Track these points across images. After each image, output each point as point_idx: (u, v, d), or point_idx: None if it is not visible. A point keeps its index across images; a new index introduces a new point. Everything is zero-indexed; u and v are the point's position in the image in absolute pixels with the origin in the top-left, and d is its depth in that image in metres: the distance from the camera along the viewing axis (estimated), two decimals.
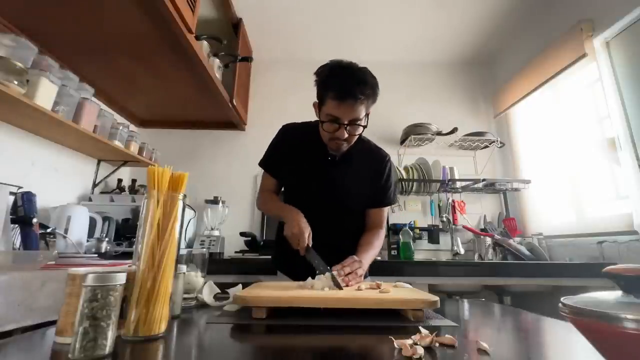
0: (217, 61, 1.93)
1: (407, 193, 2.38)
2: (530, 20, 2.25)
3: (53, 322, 0.51)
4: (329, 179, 1.09)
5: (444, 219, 2.26)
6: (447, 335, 0.49)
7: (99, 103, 1.71)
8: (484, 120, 2.66)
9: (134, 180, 2.14)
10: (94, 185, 2.00)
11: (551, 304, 0.56)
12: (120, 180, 2.13)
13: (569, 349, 0.53)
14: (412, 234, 2.03)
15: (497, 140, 2.35)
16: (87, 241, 1.57)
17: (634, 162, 1.53)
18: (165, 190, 0.56)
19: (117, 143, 1.75)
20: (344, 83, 0.92)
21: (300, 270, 0.93)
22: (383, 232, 1.16)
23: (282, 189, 1.21)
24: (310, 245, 0.96)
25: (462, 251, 2.12)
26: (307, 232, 0.96)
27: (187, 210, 1.97)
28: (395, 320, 0.64)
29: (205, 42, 1.77)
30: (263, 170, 1.19)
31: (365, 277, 1.09)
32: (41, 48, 1.42)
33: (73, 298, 0.48)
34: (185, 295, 0.75)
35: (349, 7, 2.20)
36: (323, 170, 1.09)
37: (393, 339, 0.47)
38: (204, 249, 1.01)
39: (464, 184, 2.29)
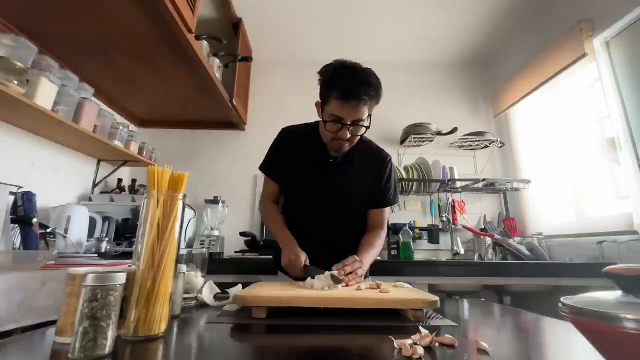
0: (217, 61, 1.93)
1: (407, 193, 2.38)
2: (530, 20, 2.25)
3: (53, 322, 0.51)
4: (330, 180, 1.09)
5: (444, 219, 2.26)
6: (447, 335, 0.49)
7: (99, 103, 1.71)
8: (484, 120, 2.66)
9: (134, 180, 2.14)
10: (94, 185, 2.00)
11: (551, 304, 0.56)
12: (120, 180, 2.13)
13: (569, 349, 0.53)
14: (412, 234, 2.03)
15: (497, 140, 2.35)
16: (87, 241, 1.57)
17: (634, 162, 1.53)
18: (165, 190, 0.56)
19: (117, 143, 1.75)
20: (348, 84, 0.92)
21: (302, 273, 0.93)
22: (384, 233, 1.16)
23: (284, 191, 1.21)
24: (308, 265, 0.96)
25: (462, 251, 2.12)
26: (303, 256, 0.97)
27: (187, 210, 1.97)
28: (395, 320, 0.64)
29: (205, 42, 1.77)
30: (264, 175, 1.19)
31: (366, 277, 1.09)
32: (41, 48, 1.42)
33: (73, 298, 0.48)
34: (185, 295, 0.75)
35: (349, 7, 2.20)
36: (324, 171, 1.09)
37: (393, 339, 0.47)
38: (204, 249, 1.01)
39: (464, 184, 2.29)
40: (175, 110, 2.29)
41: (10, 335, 0.58)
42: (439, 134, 2.38)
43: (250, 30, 2.39)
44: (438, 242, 2.19)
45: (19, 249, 1.16)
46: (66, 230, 1.45)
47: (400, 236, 1.97)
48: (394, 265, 1.67)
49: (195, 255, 0.82)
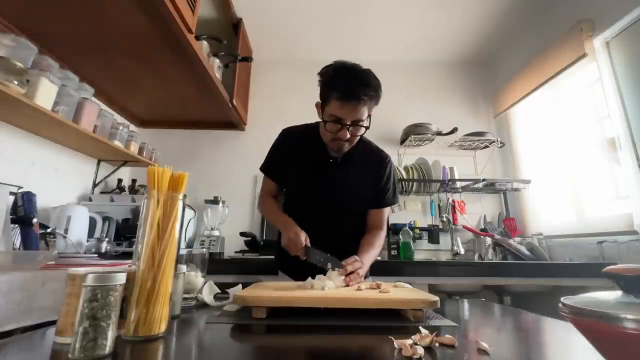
0: (217, 61, 1.93)
1: (407, 193, 2.38)
2: (530, 20, 2.25)
3: (53, 322, 0.51)
4: (330, 180, 1.09)
5: (444, 219, 2.26)
6: (447, 335, 0.49)
7: (99, 103, 1.71)
8: (484, 120, 2.66)
9: (134, 180, 2.14)
10: (94, 185, 2.00)
11: (551, 304, 0.56)
12: (120, 180, 2.13)
13: (569, 349, 0.53)
14: (412, 234, 2.03)
15: (497, 140, 2.35)
16: (87, 241, 1.57)
17: (634, 162, 1.53)
18: (165, 190, 0.56)
19: (117, 143, 1.75)
20: (348, 84, 0.93)
21: (302, 270, 0.93)
22: (383, 233, 1.16)
23: (283, 191, 1.22)
24: (309, 246, 0.96)
25: (462, 251, 2.12)
26: (303, 235, 0.97)
27: (187, 210, 1.97)
28: (395, 320, 0.64)
29: (205, 42, 1.77)
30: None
31: (366, 277, 1.09)
32: (41, 48, 1.42)
33: (73, 298, 0.48)
34: (185, 295, 0.75)
35: (349, 7, 2.20)
36: (324, 171, 1.10)
37: (393, 339, 0.47)
38: (204, 249, 1.01)
39: (464, 184, 2.29)
40: (175, 110, 2.29)
41: (10, 335, 0.58)
42: (439, 134, 2.38)
43: (250, 30, 2.39)
44: (438, 242, 2.19)
45: (19, 249, 1.16)
46: (66, 230, 1.45)
47: (400, 236, 1.97)
48: (394, 265, 1.67)
49: (195, 255, 0.82)
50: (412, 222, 2.26)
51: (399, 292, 0.74)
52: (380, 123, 2.45)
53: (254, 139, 2.52)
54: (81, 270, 0.50)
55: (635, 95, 1.57)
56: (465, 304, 0.92)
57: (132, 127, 2.19)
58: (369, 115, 0.99)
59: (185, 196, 0.59)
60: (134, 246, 0.55)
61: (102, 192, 2.03)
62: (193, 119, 2.41)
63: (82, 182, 1.92)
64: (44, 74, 1.27)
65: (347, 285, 0.84)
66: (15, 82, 1.13)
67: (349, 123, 0.96)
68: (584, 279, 1.52)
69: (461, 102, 2.70)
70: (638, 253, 1.51)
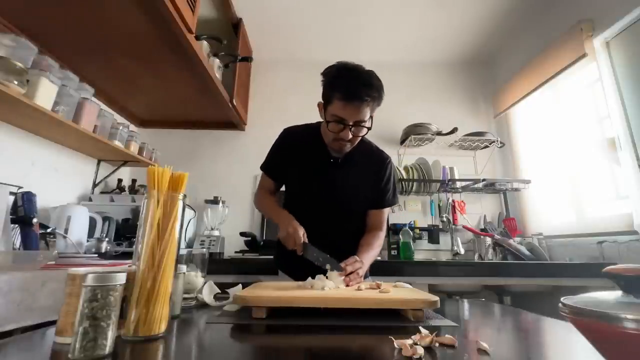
0: (217, 61, 1.93)
1: (407, 193, 2.38)
2: (530, 20, 2.25)
3: (53, 322, 0.51)
4: (330, 180, 1.09)
5: (444, 219, 2.26)
6: (447, 335, 0.49)
7: (99, 103, 1.71)
8: (484, 120, 2.66)
9: (134, 180, 2.14)
10: (94, 185, 2.00)
11: (551, 304, 0.56)
12: (120, 180, 2.13)
13: (569, 349, 0.53)
14: (412, 234, 2.03)
15: (497, 140, 2.35)
16: (87, 241, 1.57)
17: (634, 162, 1.53)
18: (165, 190, 0.56)
19: (117, 143, 1.75)
20: (351, 85, 0.93)
21: (302, 270, 0.93)
22: (383, 234, 1.16)
23: (283, 190, 1.22)
24: (307, 242, 0.96)
25: (462, 251, 2.12)
26: (302, 230, 0.97)
27: (187, 210, 1.97)
28: (395, 320, 0.64)
29: (205, 42, 1.77)
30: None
31: (365, 277, 1.10)
32: (41, 48, 1.42)
33: (73, 298, 0.48)
34: (185, 295, 0.75)
35: (349, 7, 2.20)
36: (324, 171, 1.10)
37: (393, 339, 0.47)
38: (204, 249, 1.01)
39: (464, 184, 2.29)
40: (175, 110, 2.29)
41: (10, 335, 0.58)
42: (439, 134, 2.38)
43: (250, 30, 2.39)
44: (438, 242, 2.19)
45: (19, 249, 1.16)
46: (66, 230, 1.45)
47: (400, 236, 1.97)
48: (394, 265, 1.67)
49: (195, 255, 0.82)
50: (412, 222, 2.26)
51: (399, 292, 0.74)
52: (380, 123, 2.44)
53: (254, 139, 2.52)
54: (81, 270, 0.50)
55: (635, 95, 1.57)
56: (465, 304, 0.92)
57: (132, 127, 2.19)
58: (371, 116, 1.00)
59: (185, 196, 0.59)
60: (134, 246, 0.55)
61: (102, 192, 2.03)
62: (193, 119, 2.41)
63: (82, 182, 1.92)
64: (44, 74, 1.27)
65: (347, 286, 0.84)
66: (15, 82, 1.13)
67: (351, 124, 0.96)
68: (584, 279, 1.52)
69: (461, 102, 2.70)
70: (638, 253, 1.51)
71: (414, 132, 2.36)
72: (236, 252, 2.03)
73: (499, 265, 1.68)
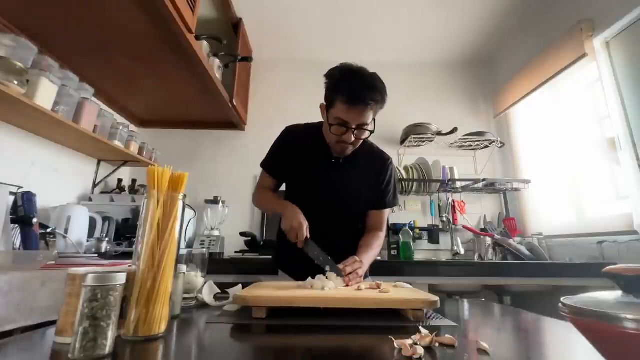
0: (217, 61, 1.93)
1: (407, 193, 2.38)
2: (530, 20, 2.24)
3: (53, 322, 0.51)
4: (331, 180, 1.09)
5: (444, 219, 2.26)
6: (447, 335, 0.49)
7: (99, 103, 1.71)
8: (484, 120, 2.66)
9: (134, 180, 2.14)
10: (94, 185, 2.00)
11: (551, 304, 0.56)
12: (120, 180, 2.13)
13: (569, 349, 0.53)
14: (412, 234, 2.03)
15: (497, 140, 2.35)
16: (87, 241, 1.57)
17: (634, 162, 1.53)
18: (165, 190, 0.56)
19: (117, 143, 1.75)
20: (355, 88, 0.93)
21: (302, 269, 0.93)
22: (383, 234, 1.16)
23: (284, 189, 1.21)
24: (309, 238, 0.96)
25: (462, 251, 2.12)
26: (306, 225, 0.97)
27: (187, 210, 1.97)
28: (395, 320, 0.64)
29: (205, 42, 1.77)
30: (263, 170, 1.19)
31: (365, 277, 1.09)
32: (41, 48, 1.42)
33: (73, 298, 0.48)
34: (185, 295, 0.75)
35: (348, 7, 2.20)
36: (325, 171, 1.10)
37: (393, 339, 0.47)
38: (204, 249, 1.01)
39: (464, 184, 2.29)
40: (175, 110, 2.29)
41: (10, 335, 0.58)
42: (439, 134, 2.38)
43: (250, 30, 2.39)
44: (438, 242, 2.19)
45: (19, 249, 1.16)
46: (66, 230, 1.45)
47: (400, 236, 1.97)
48: (394, 265, 1.67)
49: (195, 255, 0.82)
50: (412, 222, 2.26)
51: (399, 292, 0.74)
52: (380, 123, 2.41)
53: (254, 139, 2.52)
54: (81, 270, 0.50)
55: (635, 95, 1.57)
56: (465, 304, 0.92)
57: (132, 127, 2.19)
58: (374, 119, 0.99)
59: (185, 196, 0.59)
60: (134, 246, 0.55)
61: (102, 192, 2.03)
62: (193, 119, 2.41)
63: (82, 182, 1.92)
64: (44, 74, 1.27)
65: (347, 286, 0.84)
66: (15, 82, 1.13)
67: (354, 127, 0.96)
68: (584, 279, 1.52)
69: (461, 102, 2.70)
70: (638, 253, 1.51)
71: (414, 132, 2.36)
72: (236, 252, 2.03)
73: (499, 265, 1.68)
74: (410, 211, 2.42)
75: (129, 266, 0.60)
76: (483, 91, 2.71)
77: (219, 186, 2.37)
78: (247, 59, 2.26)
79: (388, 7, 2.20)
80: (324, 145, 1.09)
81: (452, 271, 1.60)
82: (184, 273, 0.70)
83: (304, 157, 1.11)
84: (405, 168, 2.33)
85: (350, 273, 0.89)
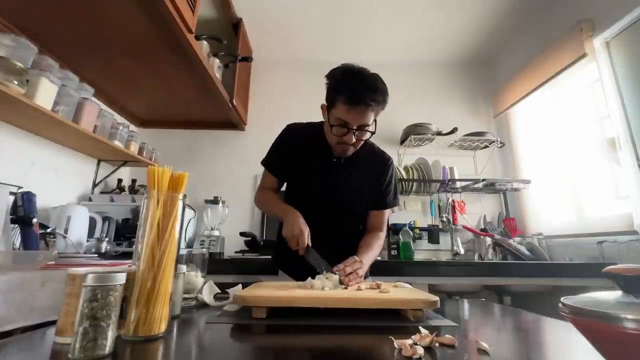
0: (217, 61, 1.93)
1: (407, 193, 2.38)
2: (530, 20, 2.24)
3: (53, 322, 0.51)
4: (331, 180, 1.09)
5: (444, 219, 2.26)
6: (447, 335, 0.49)
7: (99, 103, 1.71)
8: (484, 120, 2.66)
9: (134, 180, 2.14)
10: (94, 185, 2.00)
11: (551, 304, 0.56)
12: (120, 180, 2.13)
13: (569, 349, 0.53)
14: (412, 234, 2.03)
15: (497, 140, 2.35)
16: (87, 241, 1.57)
17: (634, 162, 1.53)
18: (165, 190, 0.56)
19: (117, 143, 1.75)
20: (356, 89, 0.92)
21: (301, 270, 0.93)
22: (383, 235, 1.16)
23: (284, 188, 1.21)
24: (310, 245, 0.96)
25: (462, 251, 2.12)
26: (307, 232, 0.96)
27: (187, 210, 1.98)
28: (395, 320, 0.64)
29: (205, 42, 1.77)
30: (264, 169, 1.19)
31: (365, 277, 1.09)
32: (41, 48, 1.42)
33: (73, 298, 0.48)
34: (185, 295, 0.75)
35: (348, 7, 2.20)
36: (325, 171, 1.10)
37: (393, 339, 0.47)
38: (204, 249, 1.01)
39: (464, 184, 2.29)
40: (175, 110, 2.29)
41: (10, 335, 0.58)
42: (439, 134, 2.38)
43: (250, 30, 2.39)
44: (438, 242, 2.19)
45: (19, 249, 1.16)
46: (66, 230, 1.45)
47: (400, 236, 1.97)
48: (394, 265, 1.67)
49: (195, 255, 0.82)
50: (412, 222, 2.26)
51: (399, 292, 0.74)
52: (380, 123, 2.42)
53: (254, 139, 2.52)
54: (81, 270, 0.50)
55: (635, 95, 1.57)
56: (465, 304, 0.92)
57: (132, 127, 2.19)
58: (375, 120, 0.99)
59: (185, 196, 0.59)
60: (134, 246, 0.55)
61: (102, 192, 2.03)
62: (193, 119, 2.41)
63: (82, 182, 1.92)
64: (44, 74, 1.27)
65: (347, 287, 0.84)
66: (15, 82, 1.13)
67: (355, 128, 0.96)
68: (584, 279, 1.52)
69: (461, 102, 2.70)
70: (638, 253, 1.51)
71: (414, 132, 2.36)
72: (236, 252, 2.03)
73: (499, 265, 1.68)
74: (410, 211, 2.42)
75: (129, 266, 0.60)
76: (483, 91, 2.71)
77: (219, 186, 2.37)
78: (247, 59, 2.26)
79: (388, 7, 2.20)
80: (325, 145, 1.09)
81: (452, 271, 1.60)
82: (184, 273, 0.70)
83: (304, 156, 1.11)
84: (405, 168, 2.33)
85: (350, 273, 0.89)
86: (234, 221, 2.26)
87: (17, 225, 1.17)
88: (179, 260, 0.58)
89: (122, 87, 1.92)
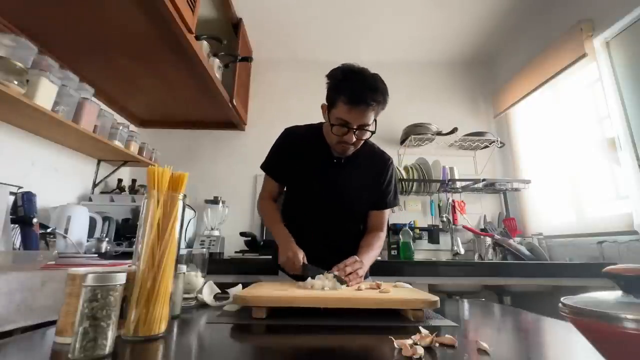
0: (217, 61, 1.93)
1: (407, 193, 2.38)
2: (530, 20, 2.24)
3: (53, 322, 0.51)
4: (332, 181, 1.09)
5: (444, 219, 2.26)
6: (447, 335, 0.49)
7: (99, 103, 1.71)
8: (484, 120, 2.66)
9: (134, 180, 2.14)
10: (94, 185, 2.00)
11: (551, 304, 0.56)
12: (120, 180, 2.13)
13: (569, 349, 0.53)
14: (412, 234, 2.03)
15: (497, 140, 2.35)
16: (87, 241, 1.57)
17: (634, 162, 1.53)
18: (165, 190, 0.56)
19: (117, 143, 1.75)
20: (357, 88, 0.93)
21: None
22: (383, 234, 1.16)
23: (285, 190, 1.21)
24: (306, 263, 0.97)
25: (462, 251, 2.12)
26: (301, 254, 0.97)
27: (187, 210, 1.97)
28: (395, 320, 0.64)
29: (205, 42, 1.77)
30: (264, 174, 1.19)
31: (365, 277, 1.09)
32: (41, 48, 1.42)
33: (73, 298, 0.48)
34: (185, 295, 0.75)
35: (349, 7, 2.20)
36: (325, 171, 1.10)
37: (393, 339, 0.47)
38: (204, 249, 1.01)
39: (464, 184, 2.29)
40: (175, 110, 2.29)
41: (10, 335, 0.58)
42: (439, 134, 2.38)
43: (250, 30, 2.39)
44: (438, 242, 2.19)
45: (19, 249, 1.16)
46: (66, 230, 1.45)
47: (400, 236, 1.97)
48: (394, 265, 1.67)
49: (195, 255, 0.82)
50: (412, 222, 2.26)
51: (399, 292, 0.74)
52: (381, 123, 2.42)
53: (254, 139, 2.52)
54: (81, 270, 0.50)
55: (635, 95, 1.57)
56: (465, 304, 0.92)
57: (132, 127, 2.19)
58: (375, 120, 1.00)
59: (185, 196, 0.59)
60: (134, 246, 0.55)
61: (102, 192, 2.03)
62: (193, 119, 2.41)
63: (82, 182, 1.92)
64: (44, 74, 1.27)
65: (348, 285, 0.84)
66: (15, 82, 1.13)
67: (355, 127, 0.96)
68: (584, 279, 1.52)
69: (461, 102, 2.70)
70: (638, 253, 1.51)
71: (414, 132, 2.36)
72: (236, 252, 2.03)
73: (499, 265, 1.68)
74: (410, 211, 2.42)
75: (129, 266, 0.60)
76: (483, 91, 2.71)
77: (219, 186, 2.37)
78: (247, 59, 2.26)
79: (388, 7, 2.19)
80: (325, 146, 1.09)
81: (452, 271, 1.60)
82: (184, 273, 0.70)
83: (304, 157, 1.11)
84: (405, 168, 2.33)
85: (351, 273, 0.89)
86: (234, 221, 2.26)
87: (17, 225, 1.17)
88: (179, 260, 0.58)
89: (122, 87, 1.92)
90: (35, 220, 1.21)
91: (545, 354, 0.53)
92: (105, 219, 1.74)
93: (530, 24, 2.26)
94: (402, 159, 2.50)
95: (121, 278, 0.46)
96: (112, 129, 1.75)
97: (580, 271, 1.55)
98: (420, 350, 0.43)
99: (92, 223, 1.65)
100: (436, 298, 0.65)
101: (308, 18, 2.31)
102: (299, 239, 1.04)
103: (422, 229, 2.25)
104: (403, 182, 2.28)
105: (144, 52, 1.59)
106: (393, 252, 2.00)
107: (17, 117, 1.37)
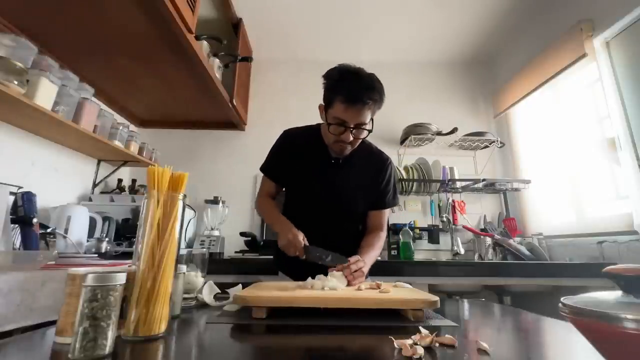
0: (217, 61, 1.93)
1: (407, 193, 2.38)
2: (530, 20, 2.24)
3: (53, 322, 0.51)
4: (330, 181, 1.10)
5: (444, 219, 2.26)
6: (447, 335, 0.49)
7: (99, 103, 1.71)
8: (484, 120, 2.66)
9: (134, 180, 2.14)
10: (94, 185, 2.00)
11: (551, 304, 0.56)
12: (120, 180, 2.13)
13: (569, 349, 0.53)
14: (412, 234, 2.03)
15: (497, 140, 2.35)
16: (87, 241, 1.57)
17: (634, 162, 1.53)
18: (165, 190, 0.56)
19: (117, 143, 1.75)
20: (353, 88, 0.94)
21: (301, 270, 0.93)
22: (383, 234, 1.16)
23: (284, 191, 1.22)
24: (307, 244, 0.96)
25: (462, 251, 2.12)
26: (301, 235, 0.98)
27: (187, 210, 1.97)
28: (395, 320, 0.64)
29: (205, 42, 1.77)
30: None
31: (365, 277, 1.10)
32: (41, 48, 1.42)
33: (73, 298, 0.48)
34: (185, 295, 0.75)
35: (349, 7, 2.20)
36: (324, 172, 1.10)
37: (393, 339, 0.47)
38: (204, 249, 1.01)
39: (464, 184, 2.29)
40: (175, 110, 2.29)
41: (10, 335, 0.58)
42: (439, 134, 2.38)
43: (250, 30, 2.39)
44: (438, 242, 2.19)
45: (19, 249, 1.16)
46: (66, 230, 1.45)
47: (400, 236, 1.97)
48: (394, 265, 1.67)
49: (195, 255, 0.82)
50: (412, 222, 2.26)
51: (399, 292, 0.74)
52: (380, 123, 2.42)
53: (254, 139, 2.52)
54: (81, 270, 0.50)
55: (635, 95, 1.57)
56: (465, 304, 0.92)
57: (132, 127, 2.19)
58: (372, 119, 1.00)
59: (185, 196, 0.59)
60: (134, 246, 0.55)
61: (102, 192, 2.03)
62: (193, 119, 2.41)
63: (82, 182, 1.92)
64: (44, 74, 1.27)
65: (349, 284, 0.84)
66: (15, 82, 1.13)
67: (352, 126, 0.97)
68: (584, 279, 1.52)
69: (461, 102, 2.70)
70: (638, 253, 1.51)
71: (414, 132, 2.36)
72: (236, 252, 2.03)
73: (499, 265, 1.68)
74: (410, 211, 2.42)
75: (129, 266, 0.60)
76: (483, 91, 2.71)
77: (219, 186, 2.37)
78: (247, 59, 2.26)
79: (388, 7, 2.19)
80: (323, 146, 1.10)
81: (452, 271, 1.60)
82: (184, 273, 0.70)
83: (303, 158, 1.12)
84: (405, 168, 2.33)
85: (356, 271, 0.89)
86: (234, 221, 2.26)
87: (17, 225, 1.17)
88: (179, 260, 0.58)
89: (122, 87, 1.92)
90: (35, 220, 1.21)
91: (545, 354, 0.53)
92: (105, 219, 1.74)
93: (530, 24, 2.26)
94: (402, 159, 2.50)
95: (121, 278, 0.46)
96: (112, 129, 1.75)
97: (580, 271, 1.55)
98: (420, 350, 0.43)
99: (92, 223, 1.65)
100: (436, 298, 0.65)
101: (308, 18, 2.31)
102: None
103: (422, 229, 2.25)
104: (403, 182, 2.28)
105: (144, 52, 1.59)
106: (393, 252, 2.00)
107: (17, 117, 1.37)
